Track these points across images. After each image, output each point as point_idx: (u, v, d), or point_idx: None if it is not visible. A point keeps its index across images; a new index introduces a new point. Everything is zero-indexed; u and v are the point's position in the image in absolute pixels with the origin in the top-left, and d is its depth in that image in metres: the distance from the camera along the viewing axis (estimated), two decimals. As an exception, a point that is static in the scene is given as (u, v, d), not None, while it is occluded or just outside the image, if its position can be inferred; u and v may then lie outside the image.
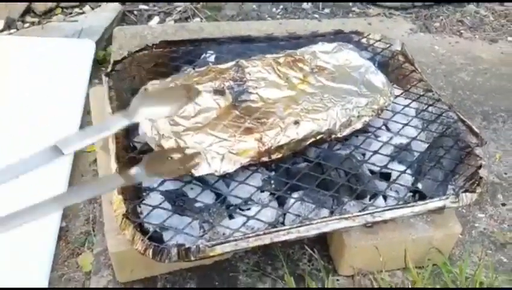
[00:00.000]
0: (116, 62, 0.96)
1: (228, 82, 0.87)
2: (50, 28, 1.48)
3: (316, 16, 1.57)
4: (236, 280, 0.88)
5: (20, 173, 0.54)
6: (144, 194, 0.78)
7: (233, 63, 0.93)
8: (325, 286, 0.85)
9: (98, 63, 1.39)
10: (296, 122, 0.77)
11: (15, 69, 1.24)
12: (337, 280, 0.88)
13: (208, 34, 1.35)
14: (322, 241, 0.91)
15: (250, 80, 0.87)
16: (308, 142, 0.79)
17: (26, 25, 1.52)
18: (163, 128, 0.77)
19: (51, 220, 0.97)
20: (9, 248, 0.90)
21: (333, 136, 0.81)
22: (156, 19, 1.52)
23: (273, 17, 1.57)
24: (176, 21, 1.52)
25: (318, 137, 0.79)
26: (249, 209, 0.80)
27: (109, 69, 0.95)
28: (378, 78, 0.92)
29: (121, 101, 0.92)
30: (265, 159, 0.75)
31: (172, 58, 1.03)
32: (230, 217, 0.79)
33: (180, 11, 1.52)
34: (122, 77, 0.97)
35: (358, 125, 0.83)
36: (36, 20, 1.53)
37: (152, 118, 0.73)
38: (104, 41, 1.45)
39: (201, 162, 0.72)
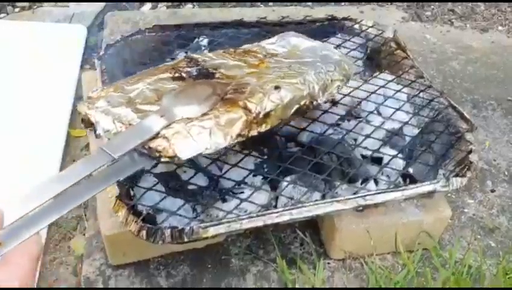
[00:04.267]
0: (109, 46, 0.96)
1: (184, 70, 0.80)
2: (41, 12, 1.47)
3: (309, 3, 1.57)
4: (229, 263, 0.88)
5: (73, 180, 0.52)
6: (137, 176, 0.78)
7: (183, 56, 0.89)
8: (317, 269, 0.86)
9: (90, 48, 1.38)
10: (277, 87, 0.72)
11: (5, 54, 1.23)
12: (328, 263, 0.89)
13: (200, 20, 1.34)
14: (313, 226, 0.92)
15: (208, 67, 0.80)
16: (293, 110, 0.73)
17: (17, 9, 1.50)
18: (128, 118, 0.68)
19: (43, 204, 0.97)
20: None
21: (314, 102, 0.76)
22: (148, 4, 1.51)
23: (265, 3, 1.57)
24: (167, 7, 1.51)
25: (302, 102, 0.74)
26: (241, 192, 0.80)
27: (102, 53, 0.94)
28: (335, 52, 0.88)
29: (114, 85, 0.92)
30: (254, 132, 0.69)
31: (165, 43, 1.03)
32: (223, 200, 0.80)
33: (171, -4, 1.52)
34: (114, 61, 0.96)
35: (334, 91, 0.79)
36: (27, 4, 1.51)
37: (187, 116, 0.68)
38: (96, 27, 1.44)
39: (185, 141, 0.64)
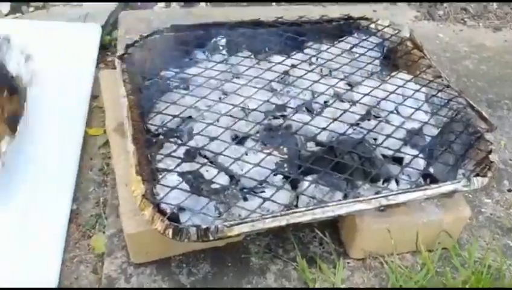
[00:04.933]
0: (128, 46, 0.96)
1: None
2: (55, 12, 1.47)
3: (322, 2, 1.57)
4: (249, 262, 0.89)
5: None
6: (160, 175, 0.78)
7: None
8: (337, 268, 0.86)
9: (104, 47, 1.39)
10: None
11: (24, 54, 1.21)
12: (348, 262, 0.90)
13: (214, 19, 1.34)
14: (332, 225, 0.93)
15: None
16: None
17: (31, 9, 1.51)
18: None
19: (62, 202, 0.97)
20: (23, 231, 0.90)
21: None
22: (161, 3, 1.52)
23: (278, 2, 1.57)
24: (181, 6, 1.52)
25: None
26: (262, 191, 0.81)
27: (122, 52, 0.95)
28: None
29: (134, 85, 0.92)
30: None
31: (183, 43, 1.03)
32: (245, 199, 0.80)
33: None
34: (133, 60, 0.97)
35: None
36: (41, 4, 1.51)
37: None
38: (109, 26, 1.44)
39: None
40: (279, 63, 0.98)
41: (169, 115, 0.86)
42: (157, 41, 1.01)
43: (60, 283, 0.87)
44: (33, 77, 1.06)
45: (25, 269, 0.86)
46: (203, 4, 1.53)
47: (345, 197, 0.80)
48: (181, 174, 0.78)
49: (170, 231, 0.69)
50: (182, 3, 1.52)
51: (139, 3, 1.53)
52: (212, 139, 0.81)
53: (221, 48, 1.02)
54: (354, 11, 1.44)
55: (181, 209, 0.76)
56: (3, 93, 1.00)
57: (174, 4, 1.52)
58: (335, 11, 1.43)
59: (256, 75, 0.94)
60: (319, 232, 0.91)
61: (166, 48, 1.01)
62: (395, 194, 0.77)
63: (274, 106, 0.90)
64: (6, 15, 1.48)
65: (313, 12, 1.44)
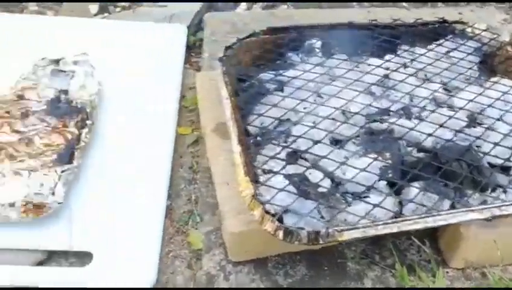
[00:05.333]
0: (227, 47, 0.98)
1: None
2: (141, 12, 1.51)
3: (405, 4, 1.55)
4: (345, 267, 0.88)
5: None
6: (266, 176, 0.79)
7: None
8: (437, 277, 0.84)
9: (188, 48, 1.41)
10: None
11: (110, 53, 1.25)
12: (447, 272, 0.88)
13: (297, 21, 1.35)
14: (429, 233, 0.91)
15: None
16: None
17: (118, 9, 1.56)
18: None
19: (159, 198, 1.00)
20: (123, 226, 0.93)
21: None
22: (243, 5, 1.53)
23: (360, 4, 1.56)
24: (262, 8, 1.53)
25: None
26: (366, 197, 0.80)
27: (222, 55, 0.97)
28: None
29: (233, 86, 0.94)
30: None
31: (278, 45, 1.04)
32: (348, 204, 0.80)
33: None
34: (231, 62, 0.99)
35: None
36: (127, 4, 1.56)
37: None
38: (194, 27, 1.47)
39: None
40: (378, 66, 0.97)
41: (270, 117, 0.87)
42: (253, 43, 1.03)
43: (157, 277, 0.90)
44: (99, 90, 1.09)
45: (126, 262, 0.89)
46: (284, 6, 1.54)
47: (453, 206, 0.78)
48: (287, 177, 0.78)
49: (281, 233, 0.70)
50: (264, 4, 1.53)
51: (220, 4, 1.56)
52: (316, 142, 0.82)
53: (316, 50, 1.02)
54: (438, 13, 1.41)
55: (287, 211, 0.76)
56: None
57: (255, 6, 1.54)
58: (418, 14, 1.40)
59: (356, 78, 0.93)
60: (416, 240, 0.90)
61: (262, 50, 1.02)
62: (508, 205, 0.74)
63: (376, 109, 0.90)
64: (95, 15, 1.54)
65: (397, 14, 1.42)
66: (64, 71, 1.10)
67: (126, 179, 1.01)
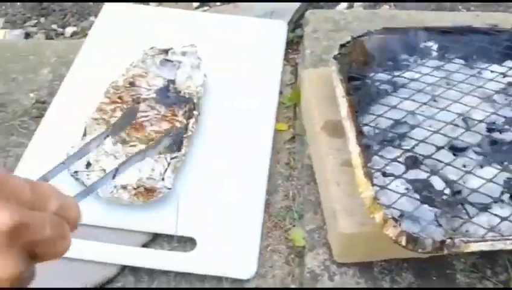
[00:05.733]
0: (342, 46, 0.97)
1: None
2: (241, 7, 1.53)
3: (516, 10, 1.47)
4: (454, 278, 0.85)
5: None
6: (385, 179, 0.77)
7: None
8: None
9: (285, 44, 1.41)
10: None
11: (212, 46, 1.26)
12: None
13: (400, 23, 1.32)
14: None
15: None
16: None
17: (218, 3, 1.59)
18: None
19: (259, 192, 1.00)
20: (223, 215, 0.95)
21: None
22: (343, 3, 1.51)
23: (467, 8, 1.50)
24: (364, 7, 1.51)
25: None
26: (489, 208, 0.77)
27: (336, 52, 0.96)
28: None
29: (346, 85, 0.93)
30: None
31: (391, 46, 1.01)
32: (470, 214, 0.77)
33: (367, -3, 1.51)
34: (343, 60, 0.97)
35: None
36: (228, -3, 1.58)
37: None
38: (292, 24, 1.47)
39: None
40: (501, 73, 0.93)
41: (388, 118, 0.85)
42: (366, 43, 1.01)
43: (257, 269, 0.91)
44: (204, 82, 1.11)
45: (228, 251, 0.90)
46: (386, 6, 1.51)
47: None
48: (409, 182, 0.76)
49: (403, 239, 0.68)
50: (365, 4, 1.51)
51: (320, 2, 1.55)
52: (438, 148, 0.79)
53: (433, 53, 0.99)
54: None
55: (399, 215, 0.74)
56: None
57: (356, 5, 1.51)
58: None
59: (478, 85, 0.90)
60: (534, 258, 0.86)
61: (376, 50, 1.00)
62: None
63: (500, 118, 0.86)
64: (196, 8, 1.58)
65: (509, 19, 1.36)
66: (172, 61, 1.13)
67: (227, 171, 1.02)
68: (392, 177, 0.76)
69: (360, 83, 0.96)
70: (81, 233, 0.83)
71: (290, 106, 1.23)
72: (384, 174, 0.77)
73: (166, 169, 0.93)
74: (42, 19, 1.67)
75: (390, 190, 0.75)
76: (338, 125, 0.94)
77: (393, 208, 0.73)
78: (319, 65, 1.22)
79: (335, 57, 0.94)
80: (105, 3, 1.40)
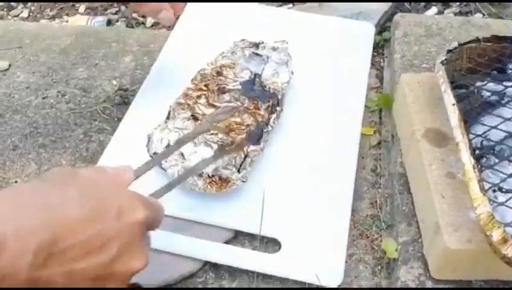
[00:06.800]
0: (449, 51, 0.92)
1: None
2: (327, 6, 1.49)
3: None
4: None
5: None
6: (503, 195, 0.72)
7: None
8: None
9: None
10: None
11: (299, 44, 1.23)
12: None
13: (496, 32, 1.25)
14: None
15: None
16: None
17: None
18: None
19: (345, 198, 0.97)
20: (309, 219, 0.92)
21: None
22: (434, 9, 1.46)
23: None
24: (455, 14, 1.44)
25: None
26: None
27: (443, 58, 0.91)
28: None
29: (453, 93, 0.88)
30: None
31: (499, 54, 0.96)
32: None
33: (460, 4, 1.44)
34: (449, 67, 0.92)
35: None
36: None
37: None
38: (379, 27, 1.42)
39: None
40: None
41: (502, 130, 0.80)
42: (473, 50, 0.95)
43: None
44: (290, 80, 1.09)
45: (313, 258, 0.87)
46: (479, 15, 1.44)
47: None
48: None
49: (525, 260, 0.63)
50: (457, 10, 1.44)
51: (408, 6, 1.50)
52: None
53: (548, 67, 0.93)
54: None
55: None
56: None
57: (446, 10, 1.45)
58: None
59: None
60: None
61: (483, 58, 0.95)
62: None
63: None
64: (280, 5, 1.55)
65: None
66: (261, 55, 1.11)
67: (310, 172, 0.99)
68: (510, 194, 0.71)
69: (466, 92, 0.91)
70: (168, 225, 0.84)
71: (375, 110, 1.19)
72: (502, 190, 0.72)
73: (243, 161, 0.91)
74: (123, 7, 1.69)
75: (508, 207, 0.70)
76: (440, 134, 0.90)
77: (510, 226, 0.68)
78: (409, 70, 1.18)
79: (442, 63, 0.89)
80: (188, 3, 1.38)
